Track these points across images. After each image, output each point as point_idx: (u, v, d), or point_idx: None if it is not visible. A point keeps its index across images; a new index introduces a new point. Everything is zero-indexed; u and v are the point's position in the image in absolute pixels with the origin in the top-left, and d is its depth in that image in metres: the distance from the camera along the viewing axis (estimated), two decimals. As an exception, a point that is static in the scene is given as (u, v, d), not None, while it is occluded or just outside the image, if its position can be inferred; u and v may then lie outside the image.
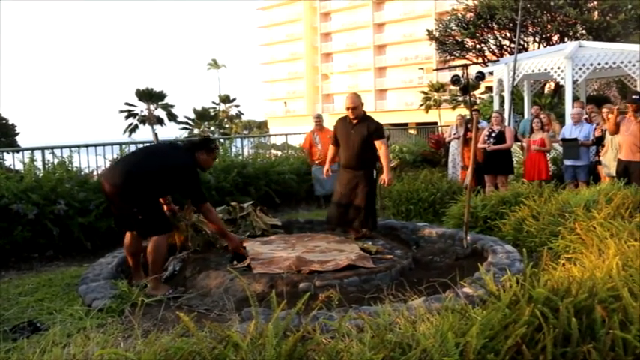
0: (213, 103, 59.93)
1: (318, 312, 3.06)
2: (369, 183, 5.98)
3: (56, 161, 7.53)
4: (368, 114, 6.15)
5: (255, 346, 2.30)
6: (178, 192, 5.16)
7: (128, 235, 4.86)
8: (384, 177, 6.06)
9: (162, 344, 2.30)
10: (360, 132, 5.92)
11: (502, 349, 2.33)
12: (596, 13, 19.98)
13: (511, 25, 19.74)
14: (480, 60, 21.57)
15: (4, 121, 40.77)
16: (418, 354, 2.24)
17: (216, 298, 4.32)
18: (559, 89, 17.33)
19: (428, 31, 24.00)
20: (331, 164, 6.42)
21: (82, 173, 7.71)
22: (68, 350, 2.41)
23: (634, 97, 7.34)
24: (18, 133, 41.58)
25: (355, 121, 5.97)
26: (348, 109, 6.01)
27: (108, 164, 8.00)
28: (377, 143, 5.93)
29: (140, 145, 8.02)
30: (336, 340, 2.45)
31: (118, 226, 5.00)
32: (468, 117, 10.19)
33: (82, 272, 5.30)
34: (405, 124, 40.11)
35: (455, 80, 9.56)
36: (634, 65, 10.31)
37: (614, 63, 10.44)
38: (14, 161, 8.64)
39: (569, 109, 9.91)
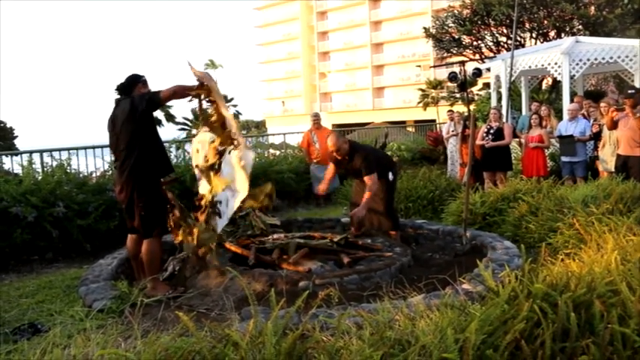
0: (212, 103, 59.78)
1: (318, 310, 3.06)
2: (385, 188, 6.00)
3: (55, 164, 7.53)
4: (356, 146, 6.01)
5: (255, 345, 2.31)
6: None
7: (130, 239, 4.85)
8: (356, 209, 5.73)
9: (161, 344, 2.30)
10: (354, 168, 5.96)
11: (501, 345, 2.33)
12: (592, 8, 19.99)
13: (508, 21, 19.75)
14: (477, 57, 21.59)
15: (1, 125, 40.72)
16: (417, 351, 2.25)
17: (216, 298, 4.32)
18: (556, 85, 17.32)
19: (425, 28, 24.02)
20: (330, 181, 6.44)
21: (81, 175, 7.72)
22: (68, 351, 2.41)
23: (630, 92, 7.35)
24: (16, 136, 41.52)
25: (346, 159, 5.95)
26: (331, 152, 6.03)
27: (106, 166, 8.04)
28: (365, 179, 5.79)
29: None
30: (336, 338, 2.45)
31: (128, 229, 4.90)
32: (466, 114, 10.21)
33: (81, 274, 5.30)
34: (403, 122, 40.17)
35: (452, 77, 9.62)
36: (631, 60, 10.32)
37: (611, 58, 10.45)
38: (12, 164, 8.65)
39: (567, 104, 9.92)
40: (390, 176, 6.06)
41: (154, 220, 4.64)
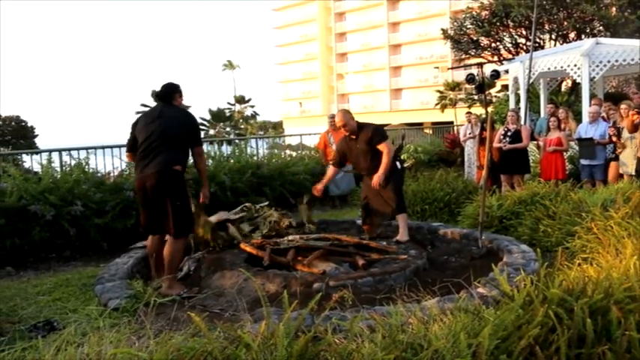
0: (229, 103, 60.15)
1: (331, 312, 3.05)
2: (393, 178, 5.99)
3: (73, 162, 7.61)
4: (363, 122, 6.11)
5: (267, 347, 2.30)
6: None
7: (151, 239, 4.86)
8: (375, 177, 5.88)
9: (174, 344, 2.31)
10: (361, 144, 5.97)
11: (515, 351, 2.30)
12: (614, 8, 19.68)
13: (527, 22, 19.54)
14: (496, 58, 21.38)
15: (23, 124, 41.38)
16: (430, 355, 2.23)
17: (230, 298, 4.33)
18: (576, 87, 17.10)
19: (443, 29, 23.84)
20: (326, 182, 6.52)
21: (99, 174, 7.80)
22: (82, 350, 2.43)
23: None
24: (36, 135, 42.16)
25: (353, 136, 6.04)
26: (339, 127, 6.17)
27: (124, 166, 8.09)
28: (380, 147, 5.89)
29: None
30: (348, 341, 2.44)
31: (148, 229, 4.87)
32: (483, 116, 10.12)
33: (98, 272, 5.36)
34: (421, 124, 39.91)
35: (470, 79, 9.51)
36: (653, 62, 10.14)
37: (632, 60, 10.26)
38: (32, 163, 8.78)
39: (587, 107, 9.78)
40: (398, 164, 6.11)
41: (188, 222, 4.76)
